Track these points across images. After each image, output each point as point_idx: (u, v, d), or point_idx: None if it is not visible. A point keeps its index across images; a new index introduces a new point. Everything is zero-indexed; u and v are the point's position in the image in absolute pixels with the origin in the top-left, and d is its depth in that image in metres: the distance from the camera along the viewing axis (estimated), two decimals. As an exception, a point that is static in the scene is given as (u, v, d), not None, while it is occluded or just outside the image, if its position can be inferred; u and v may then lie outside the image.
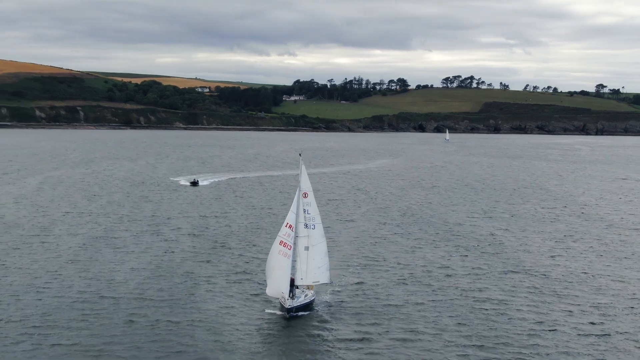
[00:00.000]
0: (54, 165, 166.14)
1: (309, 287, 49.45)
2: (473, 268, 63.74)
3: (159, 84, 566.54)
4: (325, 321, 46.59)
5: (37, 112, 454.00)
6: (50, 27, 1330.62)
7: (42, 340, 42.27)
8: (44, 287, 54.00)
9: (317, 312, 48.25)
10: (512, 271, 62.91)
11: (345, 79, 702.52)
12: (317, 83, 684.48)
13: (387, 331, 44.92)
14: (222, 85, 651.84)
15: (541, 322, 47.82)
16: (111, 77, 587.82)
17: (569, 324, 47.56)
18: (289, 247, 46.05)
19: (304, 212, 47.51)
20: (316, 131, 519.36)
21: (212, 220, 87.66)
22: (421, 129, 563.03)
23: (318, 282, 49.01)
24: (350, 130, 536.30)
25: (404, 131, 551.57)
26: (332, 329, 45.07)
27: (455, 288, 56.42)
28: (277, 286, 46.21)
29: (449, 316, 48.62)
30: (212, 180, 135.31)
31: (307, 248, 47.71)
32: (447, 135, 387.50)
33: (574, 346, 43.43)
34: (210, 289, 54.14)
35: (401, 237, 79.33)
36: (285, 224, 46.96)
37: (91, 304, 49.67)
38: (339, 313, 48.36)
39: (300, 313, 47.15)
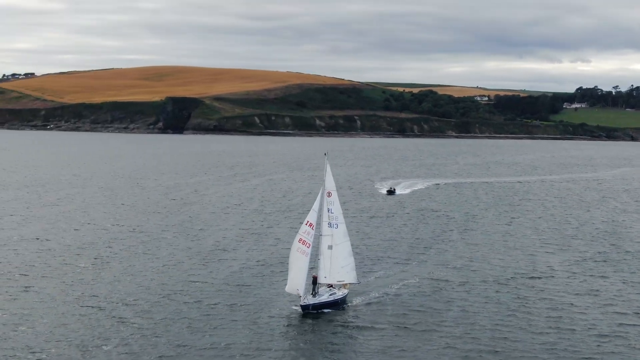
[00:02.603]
0: (286, 169, 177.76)
1: (344, 286, 50.25)
2: (582, 282, 59.63)
3: (435, 93, 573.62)
4: (344, 319, 47.11)
5: (317, 121, 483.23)
6: (345, 40, 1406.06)
7: (91, 319, 48.12)
8: (147, 269, 60.35)
9: (343, 311, 48.79)
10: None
11: (632, 85, 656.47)
12: (601, 90, 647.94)
13: (412, 336, 44.24)
14: (502, 94, 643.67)
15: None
16: (389, 88, 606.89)
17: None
18: (307, 245, 47.44)
19: (328, 211, 48.71)
20: (595, 140, 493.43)
21: (352, 226, 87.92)
22: None
23: (343, 281, 49.74)
24: (633, 139, 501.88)
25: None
26: (347, 328, 45.47)
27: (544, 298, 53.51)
28: (293, 283, 47.82)
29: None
30: (413, 189, 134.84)
31: (330, 247, 48.80)
32: None
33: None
34: (270, 282, 56.84)
35: (532, 241, 76.66)
36: (305, 222, 48.45)
37: (170, 287, 54.89)
38: (369, 313, 48.57)
39: (324, 310, 48.06)
